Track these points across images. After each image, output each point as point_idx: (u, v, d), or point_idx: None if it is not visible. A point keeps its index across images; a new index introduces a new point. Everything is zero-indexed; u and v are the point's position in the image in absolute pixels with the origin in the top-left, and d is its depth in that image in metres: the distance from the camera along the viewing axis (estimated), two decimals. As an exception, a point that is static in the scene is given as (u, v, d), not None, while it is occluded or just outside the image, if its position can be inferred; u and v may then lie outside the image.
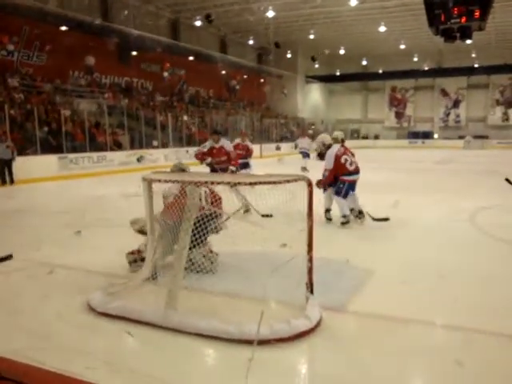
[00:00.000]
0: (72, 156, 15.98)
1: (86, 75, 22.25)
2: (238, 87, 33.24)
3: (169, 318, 3.30)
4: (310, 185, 3.56)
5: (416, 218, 7.37)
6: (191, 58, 27.69)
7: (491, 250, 5.52)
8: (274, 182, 3.45)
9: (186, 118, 23.10)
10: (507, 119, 38.32)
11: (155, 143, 20.19)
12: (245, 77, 33.28)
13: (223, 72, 30.86)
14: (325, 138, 7.19)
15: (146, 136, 20.01)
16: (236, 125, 27.03)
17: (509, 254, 5.35)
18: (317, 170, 7.85)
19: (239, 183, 3.58)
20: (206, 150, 8.03)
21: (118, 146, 18.72)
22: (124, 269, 4.53)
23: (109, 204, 9.48)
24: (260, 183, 3.52)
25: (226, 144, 8.22)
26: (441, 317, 3.54)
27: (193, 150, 21.41)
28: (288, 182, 3.58)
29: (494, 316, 3.49)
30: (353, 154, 7.01)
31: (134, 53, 24.37)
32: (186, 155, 20.66)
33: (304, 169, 14.90)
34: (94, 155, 16.82)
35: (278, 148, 29.09)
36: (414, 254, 5.25)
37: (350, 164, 6.79)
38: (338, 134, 7.39)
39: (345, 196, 6.73)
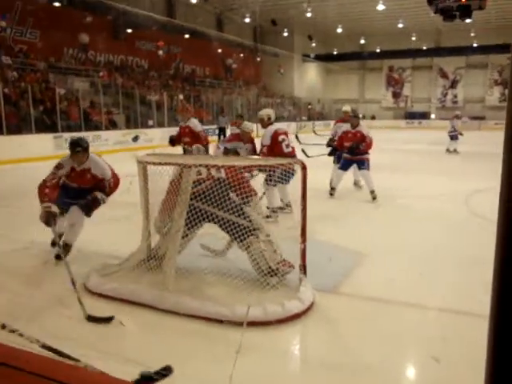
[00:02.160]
0: (67, 135, 15.83)
1: (80, 53, 21.97)
2: (234, 66, 32.91)
3: (164, 299, 3.34)
4: (303, 168, 3.57)
5: (412, 201, 7.41)
6: (187, 36, 27.33)
7: (485, 233, 5.56)
8: (270, 166, 3.46)
9: (181, 97, 22.90)
10: (505, 100, 37.88)
11: (151, 123, 20.05)
12: (241, 55, 32.91)
13: (219, 50, 30.48)
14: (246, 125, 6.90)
15: (142, 115, 19.86)
16: (232, 104, 26.85)
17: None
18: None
19: (233, 166, 3.58)
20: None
21: (113, 126, 18.59)
22: (121, 251, 4.54)
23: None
24: (255, 166, 3.53)
25: (193, 124, 7.94)
26: (432, 300, 3.59)
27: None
28: (283, 165, 3.60)
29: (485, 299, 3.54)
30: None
31: (129, 30, 24.05)
32: (182, 135, 20.58)
33: None
34: (90, 134, 16.66)
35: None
36: (408, 237, 5.30)
37: (287, 146, 6.25)
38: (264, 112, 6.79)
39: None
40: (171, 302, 3.33)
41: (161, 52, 25.80)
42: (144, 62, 25.62)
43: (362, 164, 7.42)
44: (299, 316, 3.20)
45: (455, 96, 39.74)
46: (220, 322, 3.11)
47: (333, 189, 7.73)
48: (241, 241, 3.76)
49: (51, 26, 19.33)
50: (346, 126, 7.84)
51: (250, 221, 3.75)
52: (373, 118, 40.85)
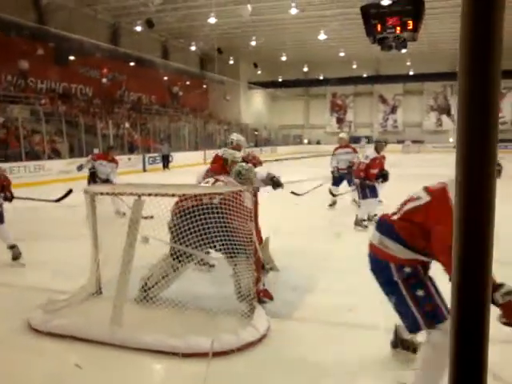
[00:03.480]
0: (6, 166, 15.21)
1: (19, 80, 21.31)
2: (180, 93, 32.97)
3: (114, 334, 3.22)
4: (254, 195, 3.59)
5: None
6: (132, 64, 27.21)
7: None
8: (220, 193, 3.45)
9: (127, 125, 22.60)
10: (441, 125, 40.37)
11: (96, 151, 19.61)
12: (187, 83, 33.05)
13: (165, 78, 30.51)
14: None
15: (87, 144, 19.40)
16: (179, 132, 26.78)
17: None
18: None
19: (184, 194, 3.55)
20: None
21: (56, 155, 18.04)
22: (64, 285, 4.35)
23: (46, 215, 9.11)
24: (205, 194, 3.51)
25: None
26: (385, 321, 3.65)
27: (135, 157, 21.12)
28: (233, 192, 3.61)
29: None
30: None
31: (72, 57, 23.64)
32: (128, 163, 20.23)
33: None
34: (31, 164, 16.09)
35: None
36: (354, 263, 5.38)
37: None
38: None
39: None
40: (122, 336, 3.21)
41: (105, 79, 25.49)
42: (88, 89, 25.17)
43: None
44: (255, 344, 3.17)
45: (395, 121, 41.60)
46: (175, 354, 3.02)
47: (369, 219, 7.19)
48: (232, 256, 3.67)
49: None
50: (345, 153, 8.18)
51: (245, 246, 3.65)
52: (318, 143, 41.86)
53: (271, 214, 3.60)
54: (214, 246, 3.71)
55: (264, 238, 4.22)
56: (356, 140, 40.70)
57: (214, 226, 3.59)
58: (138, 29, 25.38)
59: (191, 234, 3.59)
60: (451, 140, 38.81)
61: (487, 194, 0.65)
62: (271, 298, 3.90)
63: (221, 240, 3.61)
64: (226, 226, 3.62)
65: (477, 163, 0.65)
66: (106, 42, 24.99)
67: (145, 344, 3.10)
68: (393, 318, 3.67)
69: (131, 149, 21.94)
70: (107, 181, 8.68)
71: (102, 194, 3.61)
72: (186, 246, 3.62)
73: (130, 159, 20.47)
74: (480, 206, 0.65)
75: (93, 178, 8.88)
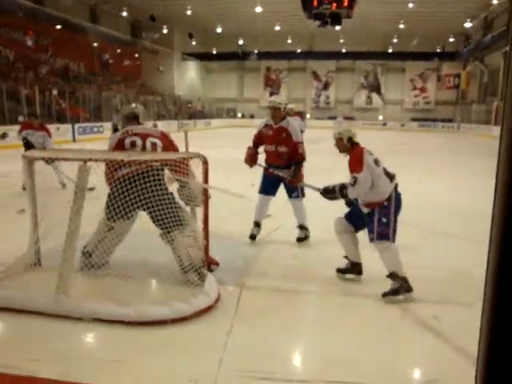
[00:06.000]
0: None
1: None
2: (111, 61, 31.56)
3: (60, 303, 3.10)
4: (204, 162, 3.55)
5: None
6: (58, 27, 25.57)
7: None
8: (171, 159, 3.38)
9: (55, 92, 21.38)
10: (370, 102, 41.71)
11: (21, 118, 18.43)
12: (118, 51, 31.69)
13: (95, 44, 29.02)
14: None
15: (10, 110, 18.16)
16: (110, 101, 25.73)
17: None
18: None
19: (134, 160, 3.43)
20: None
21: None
22: (4, 255, 4.11)
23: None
24: (157, 160, 3.42)
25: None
26: (326, 286, 3.79)
27: (64, 126, 20.11)
28: (184, 159, 3.54)
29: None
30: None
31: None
32: (57, 132, 19.23)
33: None
34: None
35: (154, 126, 28.26)
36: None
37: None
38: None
39: None
40: (68, 306, 3.10)
41: (29, 42, 23.83)
42: (9, 52, 23.42)
43: None
44: (207, 311, 3.18)
45: (327, 97, 42.42)
46: (125, 323, 2.97)
47: None
48: (167, 233, 3.66)
49: None
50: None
51: (178, 215, 3.63)
52: (251, 116, 41.89)
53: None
54: (148, 209, 3.67)
55: None
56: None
57: (150, 191, 3.57)
58: (64, -11, 23.86)
59: (130, 198, 3.55)
60: (380, 118, 40.31)
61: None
62: (217, 264, 3.91)
63: (156, 210, 3.60)
64: (162, 194, 3.60)
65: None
66: (29, 1, 23.23)
67: (95, 313, 3.01)
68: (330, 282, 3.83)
69: (59, 118, 20.83)
70: None
71: (42, 159, 3.41)
72: (122, 208, 3.58)
73: (58, 129, 19.43)
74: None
75: (29, 148, 8.20)
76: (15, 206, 5.74)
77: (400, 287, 3.42)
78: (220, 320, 3.11)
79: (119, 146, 3.85)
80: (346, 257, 3.88)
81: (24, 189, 7.68)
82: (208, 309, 3.20)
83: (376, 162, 3.61)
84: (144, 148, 3.82)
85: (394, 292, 3.44)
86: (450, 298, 3.53)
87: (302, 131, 4.92)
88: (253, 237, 4.95)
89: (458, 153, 18.21)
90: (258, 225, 4.98)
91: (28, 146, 7.92)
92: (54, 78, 24.36)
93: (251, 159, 4.87)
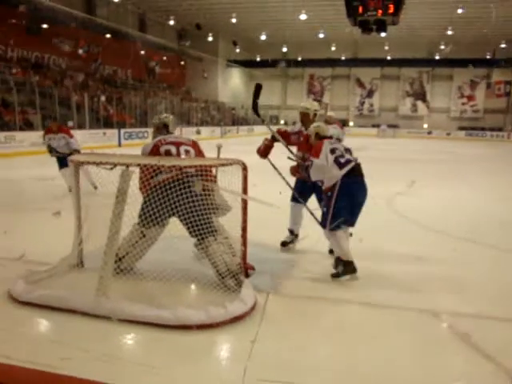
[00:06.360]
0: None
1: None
2: (157, 68, 32.34)
3: (100, 305, 3.17)
4: (244, 168, 3.56)
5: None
6: (108, 36, 26.44)
7: (410, 233, 5.88)
8: (210, 166, 3.41)
9: (103, 98, 22.08)
10: (415, 110, 40.85)
11: (70, 124, 19.12)
12: (164, 58, 32.42)
13: (142, 52, 29.81)
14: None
15: (61, 116, 18.89)
16: (155, 108, 26.32)
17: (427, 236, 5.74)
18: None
19: (173, 166, 3.49)
20: None
21: (28, 126, 17.52)
22: (45, 256, 4.26)
23: (18, 187, 8.91)
24: (195, 166, 3.46)
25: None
26: (364, 296, 3.71)
27: (110, 131, 20.73)
28: (223, 165, 3.57)
29: (410, 293, 3.73)
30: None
31: (45, 26, 22.77)
32: (104, 137, 19.86)
33: None
34: (1, 135, 15.61)
35: (198, 132, 28.80)
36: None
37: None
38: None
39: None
40: (107, 307, 3.17)
41: (81, 51, 24.74)
42: (62, 60, 24.41)
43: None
44: (242, 317, 3.17)
45: (371, 105, 41.86)
46: (162, 326, 3.00)
47: None
48: (201, 240, 3.69)
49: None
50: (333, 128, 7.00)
51: (211, 222, 3.66)
52: (294, 123, 41.64)
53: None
54: (180, 216, 3.69)
55: None
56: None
57: (186, 198, 3.58)
58: (115, -1, 24.67)
59: (166, 205, 3.58)
60: (425, 126, 39.39)
61: None
62: (254, 269, 3.89)
63: (189, 217, 3.61)
64: (196, 201, 3.62)
65: None
66: (81, 12, 24.13)
67: (132, 315, 3.06)
68: (365, 290, 3.75)
69: (106, 123, 21.50)
70: (70, 154, 8.27)
71: (88, 163, 3.52)
72: (158, 215, 3.62)
73: (105, 134, 20.11)
74: None
75: (51, 153, 8.30)
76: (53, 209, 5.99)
77: (344, 270, 3.90)
78: (246, 326, 3.10)
79: (154, 154, 3.92)
80: None
81: (70, 191, 8.02)
82: (244, 315, 3.19)
83: (332, 150, 4.01)
84: (178, 155, 3.89)
85: (336, 275, 3.95)
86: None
87: (339, 139, 4.80)
88: (284, 244, 4.90)
89: (507, 163, 17.58)
90: (291, 232, 4.94)
91: (51, 150, 8.14)
92: (102, 84, 25.18)
93: (265, 151, 4.81)
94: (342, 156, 4.00)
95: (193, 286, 3.63)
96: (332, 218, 3.85)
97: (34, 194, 8.18)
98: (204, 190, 3.64)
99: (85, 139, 18.60)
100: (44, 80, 20.85)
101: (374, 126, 38.08)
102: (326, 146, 4.07)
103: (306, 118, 4.80)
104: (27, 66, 21.55)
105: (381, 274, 4.16)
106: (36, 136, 16.95)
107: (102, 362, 2.62)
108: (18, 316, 3.21)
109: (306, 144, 4.60)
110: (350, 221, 4.00)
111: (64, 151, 8.04)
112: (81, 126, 19.39)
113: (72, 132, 8.60)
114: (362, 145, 20.18)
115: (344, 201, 3.85)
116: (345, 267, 3.89)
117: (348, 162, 3.95)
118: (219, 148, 4.47)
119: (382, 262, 4.51)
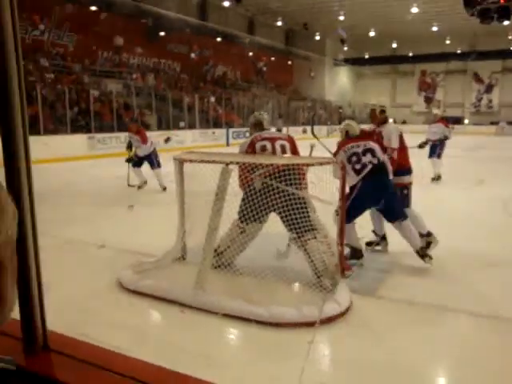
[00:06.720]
0: (99, 136, 16.13)
1: (114, 56, 22.36)
2: (265, 69, 32.96)
3: (198, 297, 3.32)
4: (342, 168, 3.50)
5: (451, 206, 7.20)
6: (219, 39, 27.53)
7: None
8: (307, 164, 3.40)
9: (212, 99, 23.04)
10: (542, 105, 37.10)
11: (182, 124, 20.24)
12: (272, 59, 32.95)
13: (251, 53, 30.61)
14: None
15: (173, 117, 20.07)
16: (263, 107, 26.85)
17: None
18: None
19: (272, 164, 3.54)
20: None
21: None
22: (154, 249, 4.55)
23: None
24: (293, 165, 3.48)
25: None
26: (472, 305, 3.46)
27: (219, 131, 21.58)
28: (321, 164, 3.54)
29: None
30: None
31: (162, 34, 24.34)
32: (213, 136, 20.73)
33: None
34: (122, 135, 16.91)
35: (304, 131, 28.84)
36: (446, 243, 5.12)
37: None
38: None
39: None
40: (205, 300, 3.30)
41: (193, 55, 26.04)
42: (176, 64, 25.89)
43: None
44: (336, 318, 3.13)
45: (490, 101, 38.80)
46: (256, 322, 3.06)
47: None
48: (299, 237, 3.71)
49: (87, 30, 19.78)
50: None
51: (311, 219, 3.68)
52: (403, 122, 40.17)
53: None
54: (280, 212, 3.71)
55: None
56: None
57: (286, 194, 3.61)
58: (226, 4, 25.55)
59: (266, 202, 3.63)
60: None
61: None
62: (351, 269, 3.84)
63: (289, 213, 3.62)
64: (295, 198, 3.62)
65: None
66: (195, 18, 25.41)
67: (229, 309, 3.16)
68: (477, 300, 3.49)
69: (216, 123, 22.42)
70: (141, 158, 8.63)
71: (191, 161, 3.70)
72: (258, 211, 3.67)
73: (214, 133, 21.00)
74: None
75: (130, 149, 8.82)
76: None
77: (350, 254, 4.15)
78: (339, 328, 3.05)
79: (251, 150, 4.05)
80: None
81: (139, 188, 8.49)
82: (338, 317, 3.14)
83: (349, 159, 4.11)
84: (274, 150, 3.97)
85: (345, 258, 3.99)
86: None
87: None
88: (368, 243, 4.81)
89: None
90: (376, 234, 4.81)
91: (130, 147, 8.67)
92: (212, 86, 26.26)
93: None
94: (358, 161, 4.13)
95: (288, 284, 3.64)
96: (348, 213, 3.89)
97: (151, 190, 8.65)
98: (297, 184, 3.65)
99: (195, 138, 19.61)
100: (159, 84, 22.25)
101: (492, 123, 35.19)
102: (342, 156, 4.17)
103: (372, 114, 4.75)
104: (146, 71, 23.16)
105: (495, 283, 3.86)
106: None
107: (178, 351, 2.73)
108: (125, 303, 3.46)
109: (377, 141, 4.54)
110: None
111: (137, 153, 8.55)
112: (191, 126, 20.41)
113: (147, 135, 8.85)
114: (476, 144, 18.84)
115: (358, 201, 4.06)
116: (352, 252, 4.18)
117: (364, 166, 4.09)
118: (312, 147, 4.47)
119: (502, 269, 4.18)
